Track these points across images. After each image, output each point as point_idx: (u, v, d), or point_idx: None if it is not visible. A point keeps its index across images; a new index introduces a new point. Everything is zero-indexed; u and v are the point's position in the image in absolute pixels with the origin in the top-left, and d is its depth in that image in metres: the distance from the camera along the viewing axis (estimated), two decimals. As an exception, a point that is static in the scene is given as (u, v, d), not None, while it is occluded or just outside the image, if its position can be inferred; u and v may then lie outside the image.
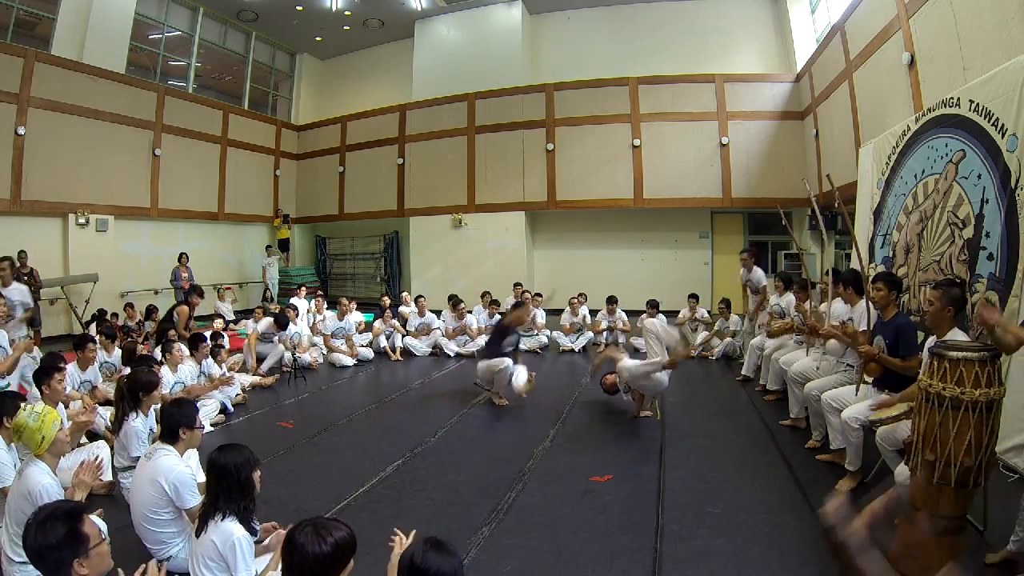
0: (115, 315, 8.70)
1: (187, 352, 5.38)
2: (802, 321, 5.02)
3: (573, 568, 2.75)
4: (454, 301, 8.53)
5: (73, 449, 3.43)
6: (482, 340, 8.45)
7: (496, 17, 13.12)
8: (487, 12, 13.19)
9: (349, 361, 7.67)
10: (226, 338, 6.68)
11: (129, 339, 6.82)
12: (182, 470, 2.67)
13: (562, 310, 9.02)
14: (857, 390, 3.61)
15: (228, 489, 2.22)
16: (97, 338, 5.61)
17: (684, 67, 11.66)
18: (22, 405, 2.69)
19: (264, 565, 2.28)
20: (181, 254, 10.67)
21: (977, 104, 4.19)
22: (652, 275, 11.73)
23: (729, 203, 11.40)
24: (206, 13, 12.68)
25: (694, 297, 8.48)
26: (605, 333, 8.65)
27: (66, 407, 4.12)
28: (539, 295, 9.53)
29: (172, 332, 5.65)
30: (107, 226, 10.52)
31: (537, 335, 8.65)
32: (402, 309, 9.07)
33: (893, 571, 0.62)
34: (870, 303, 3.72)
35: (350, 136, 14.25)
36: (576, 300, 8.79)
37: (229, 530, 2.16)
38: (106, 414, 4.49)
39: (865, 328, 3.79)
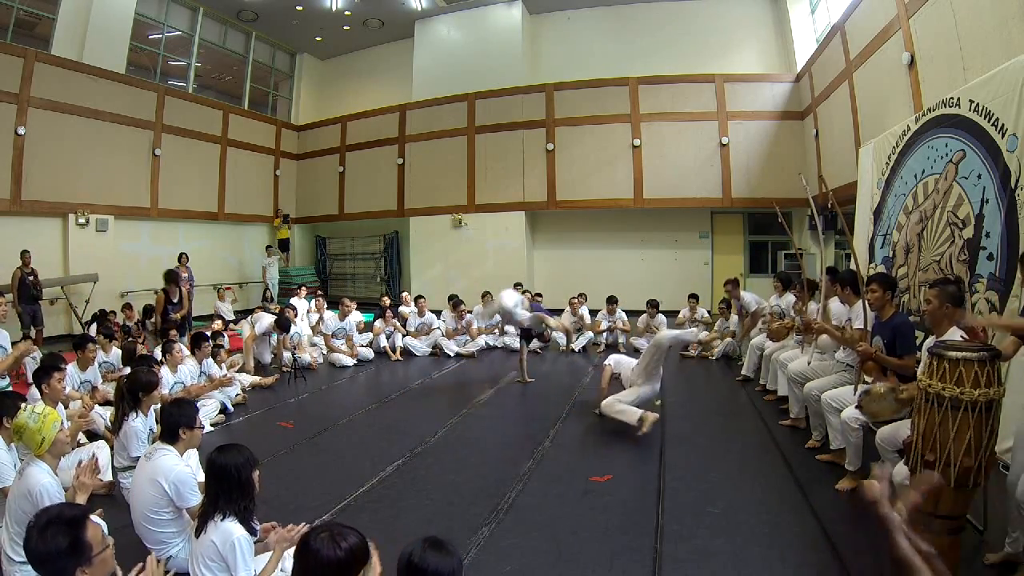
0: (112, 313, 8.70)
1: (188, 352, 5.38)
2: (801, 321, 5.02)
3: (573, 568, 2.75)
4: (455, 301, 8.53)
5: (73, 449, 3.44)
6: (482, 340, 8.48)
7: (496, 17, 13.11)
8: (487, 12, 13.18)
9: (349, 361, 7.67)
10: (226, 338, 6.69)
11: (129, 339, 6.83)
12: (182, 470, 2.67)
13: (562, 310, 9.02)
14: (856, 390, 3.61)
15: (228, 489, 2.22)
16: (97, 339, 5.61)
17: (684, 67, 11.66)
18: (22, 406, 2.69)
19: (263, 565, 2.28)
20: (181, 254, 10.65)
21: (977, 104, 4.19)
22: (652, 275, 11.73)
23: (729, 203, 11.40)
24: (206, 13, 12.67)
25: (694, 297, 8.49)
26: (605, 333, 8.65)
27: (66, 407, 4.12)
28: (539, 295, 9.53)
29: (173, 332, 5.66)
30: (107, 226, 10.52)
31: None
32: (402, 309, 9.07)
33: (923, 556, 0.62)
34: (867, 304, 3.72)
35: (350, 136, 14.25)
36: (576, 300, 8.79)
37: (229, 530, 2.16)
38: (106, 414, 4.49)
39: (863, 328, 3.79)
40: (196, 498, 2.62)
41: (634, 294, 9.62)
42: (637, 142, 11.58)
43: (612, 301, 8.60)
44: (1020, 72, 3.73)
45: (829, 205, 4.79)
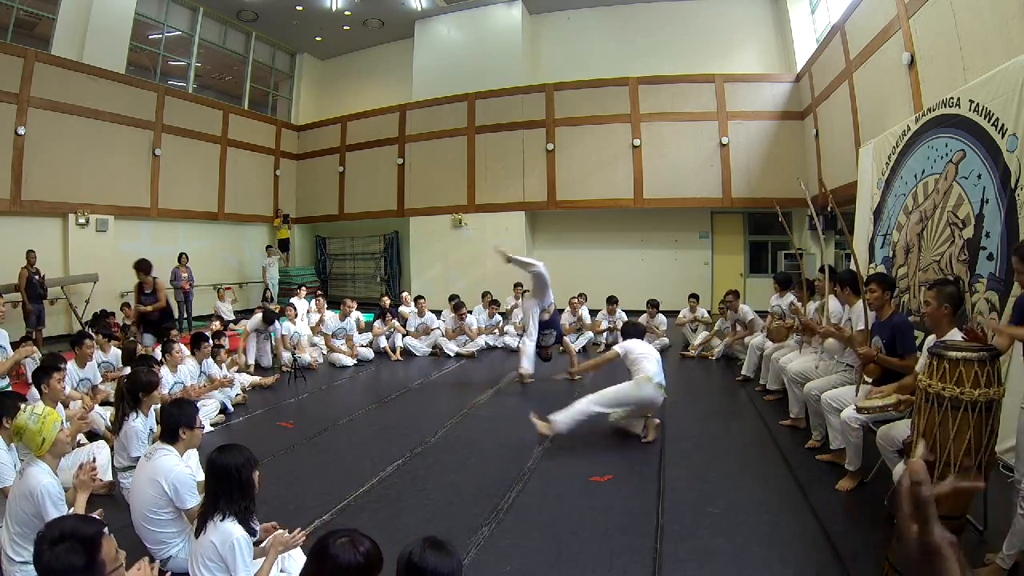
0: (112, 315, 8.72)
1: (188, 352, 5.38)
2: (800, 321, 5.02)
3: (573, 568, 2.75)
4: (456, 303, 8.52)
5: (73, 449, 3.44)
6: (482, 340, 8.47)
7: (496, 17, 13.12)
8: (487, 12, 13.19)
9: (349, 361, 7.67)
10: (226, 339, 6.69)
11: (129, 339, 6.83)
12: (182, 470, 2.67)
13: (562, 310, 9.00)
14: (857, 390, 3.61)
15: (228, 490, 2.22)
16: (95, 338, 5.60)
17: (684, 67, 11.67)
18: (22, 406, 2.68)
19: (260, 565, 2.28)
20: (181, 254, 10.66)
21: (977, 104, 4.19)
22: (652, 275, 11.73)
23: (729, 203, 11.40)
24: (206, 13, 12.68)
25: (694, 297, 8.48)
26: (605, 333, 8.65)
27: (66, 407, 4.12)
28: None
29: (173, 332, 5.66)
30: (107, 226, 10.52)
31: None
32: (402, 309, 9.07)
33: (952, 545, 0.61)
34: (866, 304, 3.72)
35: (350, 136, 14.25)
36: (576, 300, 8.79)
37: (228, 531, 2.16)
38: (106, 414, 4.49)
39: (863, 328, 3.79)
40: (194, 500, 2.62)
41: (634, 294, 9.63)
42: (637, 142, 11.58)
43: (612, 301, 8.59)
44: (1020, 72, 3.73)
45: (829, 207, 4.79)
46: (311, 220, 15.13)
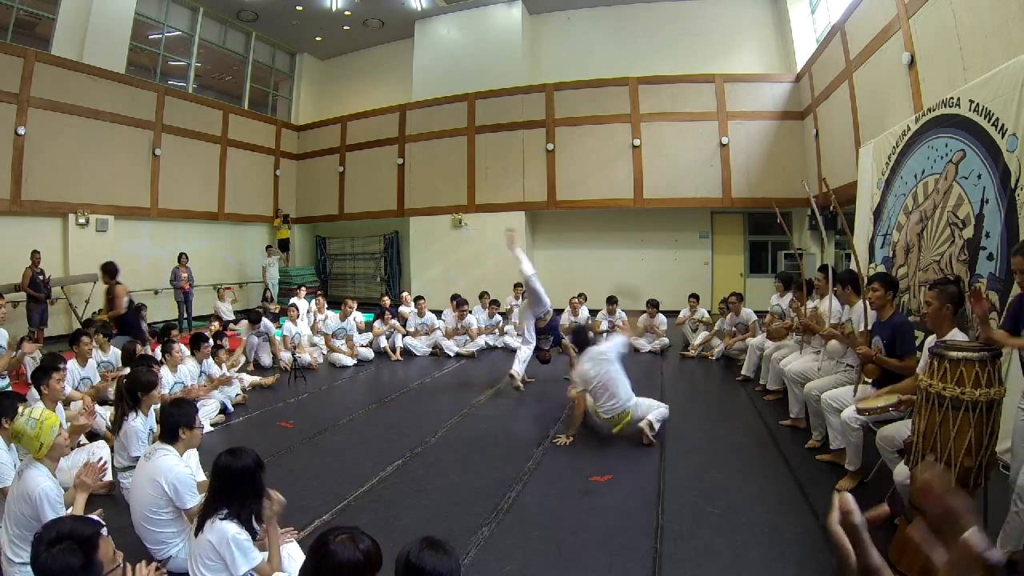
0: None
1: (188, 352, 5.38)
2: (799, 321, 5.02)
3: (573, 568, 2.75)
4: (457, 301, 8.51)
5: (73, 449, 3.43)
6: (482, 340, 8.47)
7: (496, 17, 13.12)
8: (487, 12, 13.19)
9: (349, 361, 7.67)
10: (226, 338, 6.69)
11: (129, 340, 6.81)
12: (182, 470, 2.67)
13: (562, 310, 9.01)
14: (856, 390, 3.61)
15: (241, 494, 2.23)
16: (95, 337, 5.60)
17: (684, 67, 11.67)
18: (20, 409, 2.66)
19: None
20: (181, 254, 10.66)
21: (977, 104, 4.19)
22: (652, 275, 11.73)
23: (729, 203, 11.40)
24: (206, 13, 12.67)
25: (694, 297, 8.48)
26: (605, 333, 8.64)
27: (66, 407, 4.12)
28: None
29: (174, 332, 5.66)
30: (107, 226, 10.51)
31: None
32: (402, 309, 9.07)
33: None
34: (867, 304, 3.72)
35: (350, 136, 14.25)
36: (576, 300, 8.79)
37: (223, 530, 2.17)
38: (106, 414, 4.49)
39: (863, 328, 3.79)
40: (194, 500, 2.62)
41: (634, 294, 9.62)
42: (637, 142, 11.58)
43: (612, 301, 8.60)
44: (1020, 72, 3.73)
45: (831, 207, 4.80)
46: (311, 220, 15.12)
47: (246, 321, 7.43)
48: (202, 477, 3.17)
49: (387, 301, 9.22)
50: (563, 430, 4.63)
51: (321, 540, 1.58)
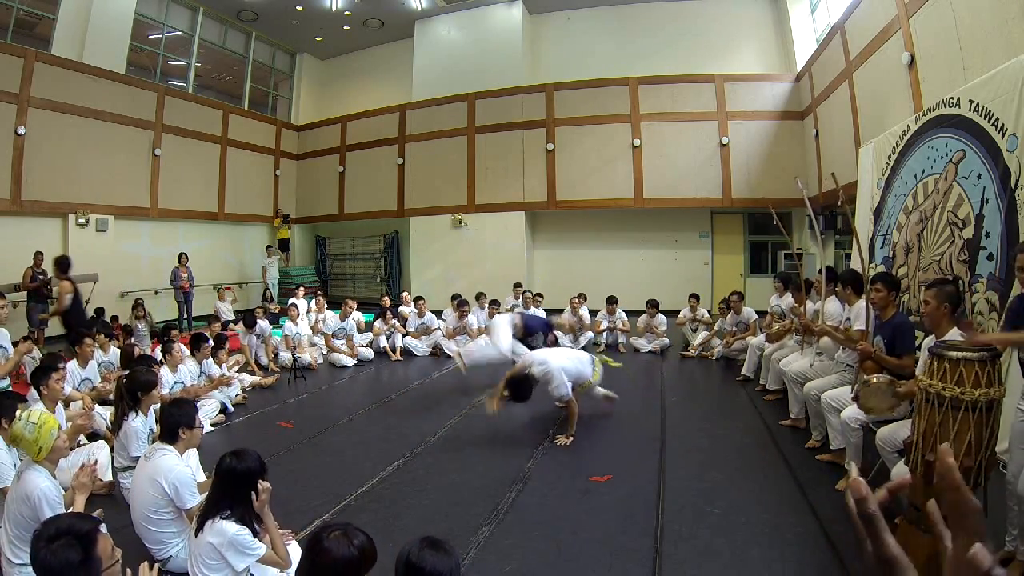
0: (115, 318, 8.72)
1: (187, 352, 5.38)
2: (799, 322, 5.02)
3: (573, 568, 2.75)
4: (458, 301, 8.51)
5: (72, 450, 3.43)
6: (482, 340, 8.45)
7: (496, 17, 13.12)
8: (487, 12, 13.19)
9: (349, 361, 7.67)
10: (227, 338, 6.69)
11: (129, 341, 6.82)
12: (182, 470, 2.67)
13: (562, 310, 9.02)
14: (854, 390, 3.61)
15: (245, 496, 2.24)
16: (96, 337, 5.60)
17: (684, 67, 11.67)
18: (18, 413, 2.64)
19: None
20: (181, 254, 10.66)
21: (977, 104, 4.19)
22: (652, 275, 11.73)
23: (729, 203, 11.40)
24: (206, 13, 12.67)
25: (694, 297, 8.48)
26: (605, 333, 8.65)
27: (66, 407, 4.12)
28: (540, 295, 9.54)
29: (174, 332, 5.66)
30: (107, 226, 10.51)
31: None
32: (402, 309, 9.07)
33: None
34: (870, 303, 3.72)
35: (350, 136, 14.25)
36: (576, 300, 8.79)
37: (223, 530, 2.18)
38: (106, 414, 4.49)
39: (863, 328, 3.79)
40: (195, 500, 2.62)
41: (634, 294, 9.63)
42: (637, 142, 11.58)
43: (612, 301, 8.59)
44: (1020, 72, 3.73)
45: (840, 203, 4.81)
46: (311, 220, 15.12)
47: (243, 323, 7.43)
48: (202, 477, 3.17)
49: (387, 301, 9.22)
50: (562, 430, 4.63)
51: (315, 538, 1.59)
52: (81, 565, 1.55)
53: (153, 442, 3.05)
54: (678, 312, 8.68)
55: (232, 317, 10.19)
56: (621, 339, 8.50)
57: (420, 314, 8.59)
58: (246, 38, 13.96)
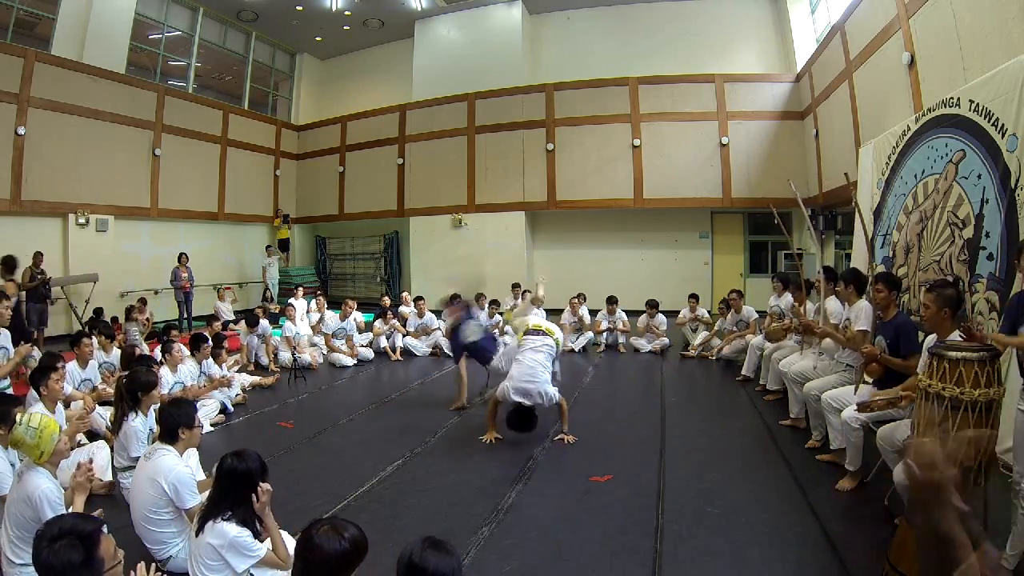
0: (115, 319, 8.71)
1: (187, 352, 5.38)
2: (799, 322, 5.02)
3: (573, 568, 2.75)
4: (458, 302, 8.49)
5: (72, 450, 3.43)
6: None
7: (496, 17, 13.12)
8: (487, 12, 13.19)
9: (349, 361, 7.67)
10: (226, 338, 6.70)
11: (129, 343, 6.82)
12: (182, 470, 2.67)
13: (562, 310, 9.02)
14: (856, 390, 3.61)
15: (246, 497, 2.23)
16: (96, 339, 5.60)
17: (684, 67, 11.67)
18: (17, 417, 2.63)
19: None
20: (181, 254, 10.66)
21: (977, 104, 4.19)
22: (652, 275, 11.74)
23: (729, 203, 11.40)
24: (206, 13, 12.67)
25: (694, 297, 8.48)
26: (605, 333, 8.65)
27: (67, 407, 4.12)
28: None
29: (173, 332, 5.66)
30: (107, 226, 10.52)
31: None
32: (402, 309, 9.07)
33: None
34: (873, 304, 3.72)
35: (350, 136, 14.25)
36: (576, 300, 8.79)
37: (224, 532, 2.17)
38: (106, 414, 4.48)
39: (866, 328, 3.78)
40: (195, 499, 2.62)
41: (634, 294, 9.62)
42: (637, 142, 11.58)
43: (612, 301, 8.59)
44: (1020, 72, 3.73)
45: (853, 202, 4.82)
46: (311, 220, 15.13)
47: (244, 323, 7.44)
48: (202, 477, 3.17)
49: (387, 301, 9.22)
50: (561, 430, 4.63)
51: (305, 536, 1.59)
52: (83, 566, 1.55)
53: (153, 442, 3.05)
54: (678, 312, 8.69)
55: (232, 317, 10.20)
56: (621, 339, 8.50)
57: (420, 314, 8.59)
58: (246, 38, 13.96)
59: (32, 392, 3.73)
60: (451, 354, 5.99)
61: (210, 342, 5.61)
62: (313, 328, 8.27)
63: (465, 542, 2.93)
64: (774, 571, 2.67)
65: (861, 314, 3.90)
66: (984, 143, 4.07)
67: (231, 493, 2.23)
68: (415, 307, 8.77)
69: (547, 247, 13.04)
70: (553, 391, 4.43)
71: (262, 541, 2.28)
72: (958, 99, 4.49)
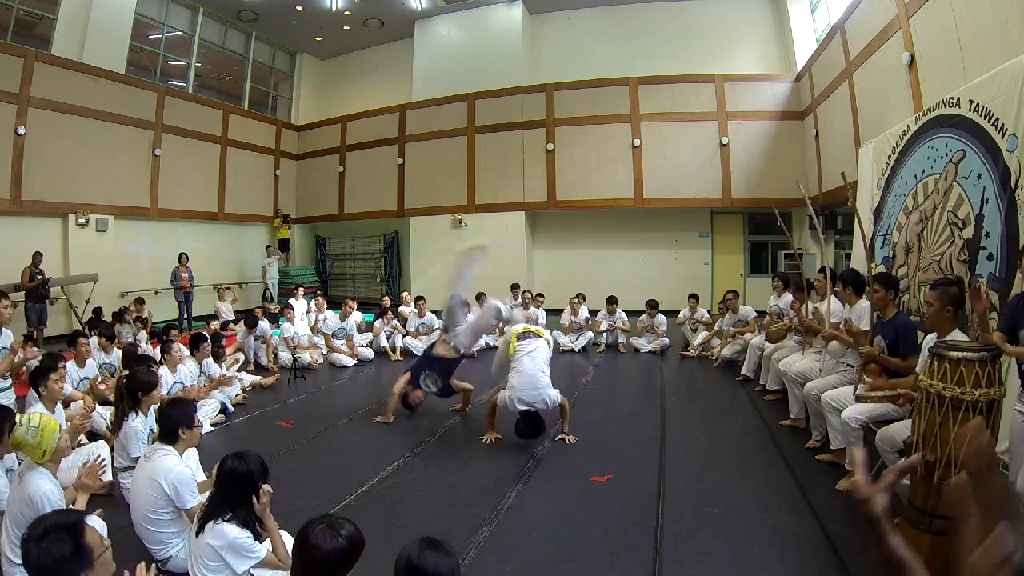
0: (115, 314, 8.71)
1: (187, 352, 5.38)
2: (799, 322, 5.02)
3: (573, 568, 2.75)
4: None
5: (73, 449, 3.43)
6: (482, 340, 8.43)
7: (496, 17, 13.12)
8: (487, 12, 13.18)
9: (349, 361, 7.67)
10: (226, 338, 6.70)
11: (129, 343, 6.81)
12: (182, 470, 2.67)
13: (562, 310, 9.02)
14: (856, 390, 3.61)
15: (246, 498, 2.23)
16: (96, 339, 5.60)
17: (684, 67, 11.67)
18: (18, 417, 2.63)
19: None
20: (181, 254, 10.66)
21: (977, 104, 4.19)
22: (652, 275, 11.74)
23: (729, 203, 11.40)
24: (206, 13, 12.68)
25: (694, 297, 8.48)
26: (605, 333, 8.65)
27: (66, 407, 4.12)
28: (540, 296, 9.53)
29: (173, 332, 5.65)
30: (107, 226, 10.52)
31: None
32: (402, 309, 9.07)
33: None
34: (872, 304, 3.72)
35: (350, 136, 14.25)
36: (576, 300, 8.79)
37: (224, 533, 2.18)
38: (106, 414, 4.48)
39: (866, 329, 3.78)
40: (195, 500, 2.62)
41: (634, 294, 9.63)
42: (637, 142, 11.58)
43: (612, 301, 8.59)
44: (1020, 72, 3.73)
45: (849, 202, 4.83)
46: (311, 220, 15.12)
47: (243, 324, 7.44)
48: (202, 477, 3.17)
49: (387, 301, 9.22)
50: (562, 430, 4.62)
51: (302, 536, 1.59)
52: (74, 556, 1.56)
53: (153, 442, 3.05)
54: (678, 312, 8.69)
55: (232, 317, 10.19)
56: (621, 339, 8.50)
57: (420, 314, 8.59)
58: (246, 38, 13.96)
59: (32, 392, 3.73)
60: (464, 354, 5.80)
61: (209, 342, 5.61)
62: (313, 328, 8.27)
63: (465, 542, 2.93)
64: (774, 571, 2.67)
65: (864, 315, 3.90)
66: (984, 143, 4.07)
67: (232, 494, 2.23)
68: (415, 307, 8.76)
69: (547, 247, 13.04)
70: (555, 394, 4.39)
71: (262, 542, 2.28)
72: (958, 99, 4.48)
